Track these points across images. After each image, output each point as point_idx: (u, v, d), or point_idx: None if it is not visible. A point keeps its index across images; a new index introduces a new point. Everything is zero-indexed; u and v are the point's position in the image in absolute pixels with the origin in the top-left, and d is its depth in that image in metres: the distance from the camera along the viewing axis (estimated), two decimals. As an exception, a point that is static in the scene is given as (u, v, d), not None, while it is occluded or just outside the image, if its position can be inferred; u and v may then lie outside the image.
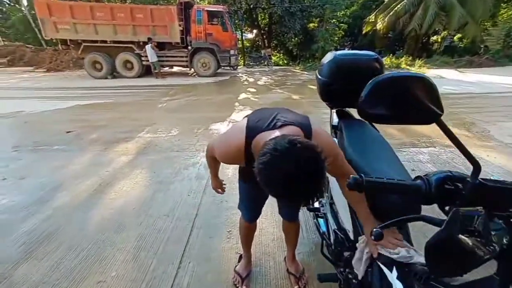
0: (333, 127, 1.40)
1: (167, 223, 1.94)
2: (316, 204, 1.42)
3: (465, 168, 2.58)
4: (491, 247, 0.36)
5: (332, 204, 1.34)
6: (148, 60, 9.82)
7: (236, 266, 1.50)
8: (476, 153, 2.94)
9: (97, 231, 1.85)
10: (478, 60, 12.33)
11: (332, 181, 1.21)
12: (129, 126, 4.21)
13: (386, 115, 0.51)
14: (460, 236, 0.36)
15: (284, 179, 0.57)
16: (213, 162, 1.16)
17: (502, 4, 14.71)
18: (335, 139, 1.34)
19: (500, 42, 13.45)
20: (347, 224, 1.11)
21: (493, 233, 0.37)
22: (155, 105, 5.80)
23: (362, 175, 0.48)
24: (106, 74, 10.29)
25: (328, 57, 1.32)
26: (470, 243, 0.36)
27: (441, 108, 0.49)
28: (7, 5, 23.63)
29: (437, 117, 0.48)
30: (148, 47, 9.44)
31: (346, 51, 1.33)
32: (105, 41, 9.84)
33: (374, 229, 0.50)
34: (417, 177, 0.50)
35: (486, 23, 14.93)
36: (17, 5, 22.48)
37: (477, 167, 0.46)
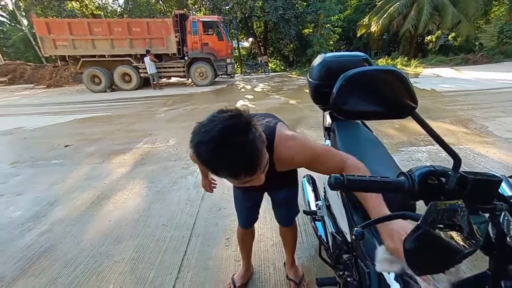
0: (326, 129, 1.39)
1: (165, 233, 1.91)
2: (313, 207, 1.40)
3: (465, 165, 2.56)
4: (473, 241, 0.34)
5: (328, 206, 1.32)
6: (146, 72, 9.94)
7: (234, 274, 1.47)
8: (475, 149, 2.92)
9: (95, 244, 1.83)
10: (473, 57, 12.41)
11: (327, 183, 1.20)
12: (126, 138, 4.22)
13: (360, 111, 0.51)
14: (438, 231, 0.35)
15: (208, 146, 0.56)
16: None
17: (494, 2, 14.91)
18: (328, 141, 1.34)
19: (494, 39, 13.57)
20: (344, 227, 1.09)
21: (475, 227, 0.36)
22: (153, 116, 5.83)
23: (344, 173, 0.47)
24: (105, 88, 10.41)
25: (318, 60, 1.32)
26: (449, 238, 0.35)
27: (415, 100, 0.48)
28: (8, 25, 24.15)
29: (411, 111, 0.48)
30: (146, 59, 9.57)
31: (335, 53, 1.34)
32: (103, 56, 10.00)
33: (355, 229, 0.48)
34: (401, 173, 0.49)
35: (479, 21, 15.10)
36: (17, 25, 22.96)
37: (457, 160, 0.45)
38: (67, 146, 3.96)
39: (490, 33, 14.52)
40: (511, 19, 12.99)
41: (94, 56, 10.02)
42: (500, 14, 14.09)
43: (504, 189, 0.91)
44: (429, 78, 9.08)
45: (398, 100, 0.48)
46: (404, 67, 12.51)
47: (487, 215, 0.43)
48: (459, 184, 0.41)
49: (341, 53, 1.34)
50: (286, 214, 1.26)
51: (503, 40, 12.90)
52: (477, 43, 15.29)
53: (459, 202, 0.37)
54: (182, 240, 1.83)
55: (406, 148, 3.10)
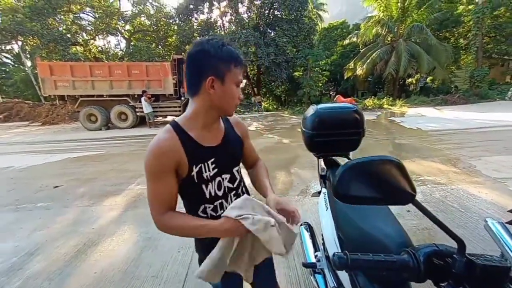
0: (322, 177, 1.42)
1: (155, 286, 1.77)
2: (312, 258, 1.35)
3: (460, 206, 2.58)
4: None
5: (328, 257, 1.27)
6: (142, 111, 10.19)
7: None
8: (467, 190, 2.97)
9: (75, 302, 1.66)
10: (452, 98, 13.37)
11: (326, 234, 1.18)
12: (119, 178, 4.13)
13: (362, 197, 0.53)
14: None
15: (223, 45, 0.83)
16: (195, 223, 0.77)
17: (461, 51, 16.69)
18: (324, 189, 1.35)
19: (467, 83, 14.85)
20: (346, 282, 1.05)
21: None
22: (148, 155, 5.79)
23: (347, 252, 0.47)
24: (100, 126, 10.51)
25: (310, 111, 1.41)
26: None
27: (414, 188, 0.50)
28: (11, 66, 25.10)
29: (412, 198, 0.50)
30: (142, 99, 9.90)
31: (327, 105, 1.43)
32: (101, 95, 10.30)
33: None
34: (404, 251, 0.50)
35: (451, 67, 16.67)
36: (21, 66, 23.86)
37: (461, 244, 0.45)
38: (56, 187, 3.83)
39: (462, 77, 15.96)
40: (478, 66, 14.43)
41: (92, 96, 10.32)
42: (469, 62, 15.65)
43: None
44: (414, 117, 9.59)
45: (397, 188, 0.50)
46: (390, 107, 13.27)
47: None
48: (466, 268, 0.42)
49: (332, 104, 1.44)
50: (267, 278, 1.07)
51: (475, 84, 14.12)
52: (452, 86, 16.68)
53: None
54: (173, 295, 1.69)
55: (400, 189, 3.12)
